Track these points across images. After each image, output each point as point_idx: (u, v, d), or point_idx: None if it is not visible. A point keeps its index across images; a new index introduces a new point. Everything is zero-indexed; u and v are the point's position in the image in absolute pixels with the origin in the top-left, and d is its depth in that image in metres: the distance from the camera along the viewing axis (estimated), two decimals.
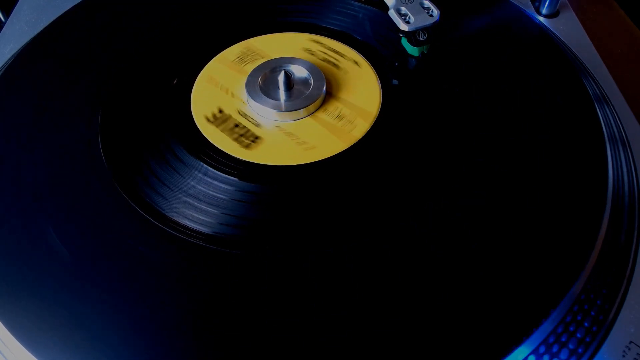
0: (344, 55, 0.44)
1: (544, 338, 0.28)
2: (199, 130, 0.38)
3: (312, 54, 0.44)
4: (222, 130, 0.38)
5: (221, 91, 0.41)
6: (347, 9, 0.48)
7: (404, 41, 0.42)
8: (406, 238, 0.31)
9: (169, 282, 0.30)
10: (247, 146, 0.37)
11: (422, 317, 0.28)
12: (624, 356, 0.29)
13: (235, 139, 0.38)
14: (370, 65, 0.43)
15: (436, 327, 0.28)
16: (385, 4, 0.43)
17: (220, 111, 0.39)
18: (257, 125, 0.39)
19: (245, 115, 0.39)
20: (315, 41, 0.45)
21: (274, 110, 0.39)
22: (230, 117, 0.39)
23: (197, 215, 0.33)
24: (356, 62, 0.43)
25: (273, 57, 0.43)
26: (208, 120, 0.39)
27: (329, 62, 0.43)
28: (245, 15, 0.48)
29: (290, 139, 0.38)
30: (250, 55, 0.44)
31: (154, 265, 0.31)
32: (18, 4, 0.53)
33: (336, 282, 0.30)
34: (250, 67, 0.42)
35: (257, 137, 0.38)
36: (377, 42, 0.45)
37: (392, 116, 0.39)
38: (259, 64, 0.42)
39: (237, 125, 0.38)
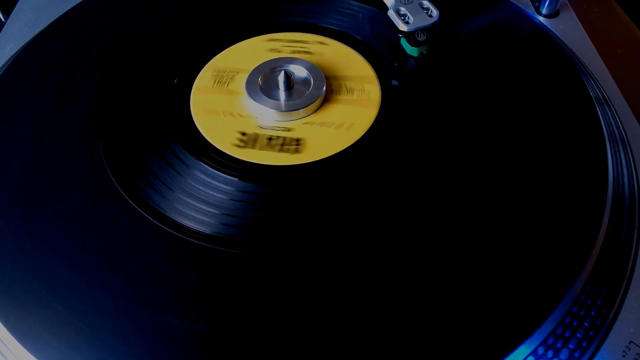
0: (307, 41, 0.44)
1: (544, 338, 0.28)
2: (199, 131, 0.38)
3: (278, 52, 0.43)
4: (261, 149, 0.37)
5: (226, 117, 0.39)
6: (346, 9, 0.48)
7: (403, 41, 0.42)
8: (407, 238, 0.31)
9: (169, 282, 0.30)
10: (295, 151, 0.37)
11: (421, 318, 0.28)
12: (624, 356, 0.29)
13: (280, 150, 0.37)
14: (370, 65, 0.43)
15: (436, 328, 0.28)
16: (384, 4, 0.43)
17: (244, 134, 0.38)
18: (288, 129, 0.38)
19: (269, 128, 0.39)
20: (273, 39, 0.45)
21: (273, 109, 0.39)
22: (257, 135, 0.38)
23: (197, 216, 0.33)
24: (322, 42, 0.44)
25: (248, 69, 0.42)
26: (238, 146, 0.37)
27: (298, 52, 0.43)
28: (247, 13, 0.48)
29: (327, 127, 0.38)
30: (224, 76, 0.42)
31: (154, 265, 0.31)
32: (18, 4, 0.53)
33: (337, 282, 0.30)
34: (234, 86, 0.41)
35: (298, 140, 0.37)
36: (377, 42, 0.45)
37: (391, 116, 0.39)
38: (240, 76, 0.41)
39: (270, 139, 0.38)
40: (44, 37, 0.46)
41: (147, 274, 0.30)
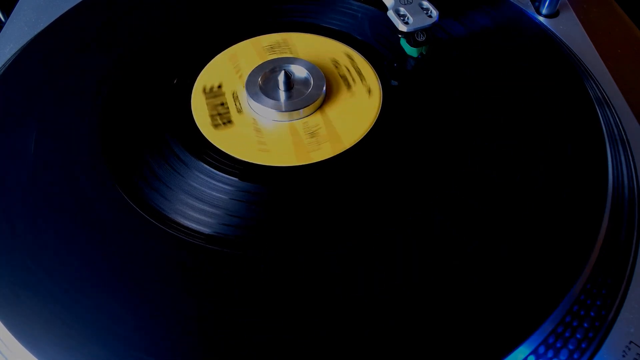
0: (364, 79, 0.42)
1: (544, 338, 0.28)
2: (199, 131, 0.38)
3: (336, 67, 0.43)
4: (207, 104, 0.40)
5: (233, 70, 0.42)
6: (346, 9, 0.48)
7: (403, 42, 0.42)
8: (407, 238, 0.31)
9: (169, 282, 0.30)
10: (216, 126, 0.38)
11: (421, 318, 0.28)
12: (624, 356, 0.29)
13: (212, 115, 0.39)
14: (370, 65, 0.43)
15: (436, 328, 0.28)
16: (384, 4, 0.43)
17: (219, 87, 0.41)
18: (239, 110, 0.39)
19: (236, 98, 0.40)
20: (348, 55, 0.44)
21: (273, 109, 0.39)
22: (223, 94, 0.40)
23: (197, 216, 0.33)
24: (369, 91, 0.41)
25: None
26: (204, 91, 0.40)
27: (344, 79, 0.42)
28: (245, 15, 0.48)
29: (255, 134, 0.38)
30: (281, 48, 0.44)
31: (154, 265, 0.31)
32: (18, 4, 0.53)
33: (336, 283, 0.30)
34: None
35: (229, 121, 0.39)
36: (377, 42, 0.45)
37: (391, 116, 0.39)
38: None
39: (222, 104, 0.40)
40: (44, 37, 0.46)
41: (146, 274, 0.30)
